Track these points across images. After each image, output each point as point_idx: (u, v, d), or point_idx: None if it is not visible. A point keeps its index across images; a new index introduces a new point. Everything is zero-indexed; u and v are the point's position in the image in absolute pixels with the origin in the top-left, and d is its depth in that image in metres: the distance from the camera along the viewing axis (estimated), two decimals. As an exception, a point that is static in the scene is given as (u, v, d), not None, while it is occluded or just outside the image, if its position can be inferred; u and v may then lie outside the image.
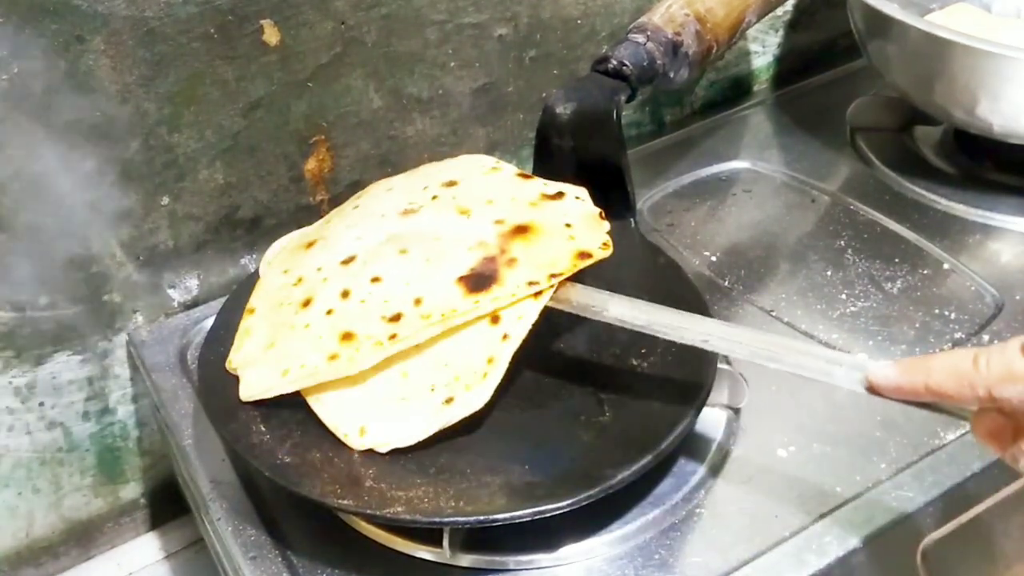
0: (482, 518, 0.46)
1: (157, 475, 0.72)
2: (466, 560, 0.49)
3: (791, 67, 0.94)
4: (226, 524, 0.52)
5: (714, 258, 0.69)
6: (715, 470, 0.53)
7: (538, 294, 0.51)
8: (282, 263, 0.58)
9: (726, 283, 0.67)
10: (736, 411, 0.56)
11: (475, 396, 0.49)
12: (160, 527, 0.74)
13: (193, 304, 0.68)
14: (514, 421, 0.52)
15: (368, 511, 0.47)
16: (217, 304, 0.61)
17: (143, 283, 0.66)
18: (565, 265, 0.51)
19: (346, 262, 0.55)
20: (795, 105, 0.87)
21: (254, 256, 0.69)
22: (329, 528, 0.51)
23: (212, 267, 0.68)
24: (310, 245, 0.58)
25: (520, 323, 0.50)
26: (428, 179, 0.60)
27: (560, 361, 0.56)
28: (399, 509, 0.46)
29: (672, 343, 0.54)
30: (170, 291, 0.67)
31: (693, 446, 0.54)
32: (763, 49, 0.92)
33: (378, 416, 0.49)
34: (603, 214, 0.55)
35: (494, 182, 0.58)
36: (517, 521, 0.46)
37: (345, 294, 0.53)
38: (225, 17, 0.61)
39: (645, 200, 0.74)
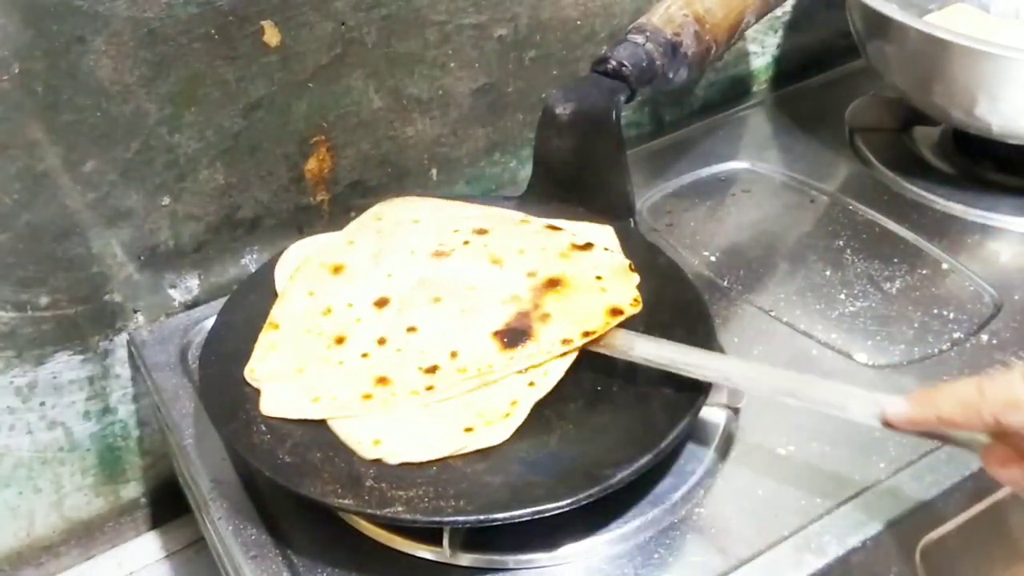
0: (482, 517, 0.46)
1: (158, 475, 0.72)
2: (466, 559, 0.49)
3: (790, 68, 0.94)
4: (227, 523, 0.52)
5: (713, 258, 0.69)
6: (714, 470, 0.53)
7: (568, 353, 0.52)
8: (307, 283, 0.58)
9: (725, 283, 0.67)
10: (735, 410, 0.56)
11: (495, 432, 0.49)
12: (161, 526, 0.74)
13: (194, 304, 0.68)
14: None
15: (368, 511, 0.47)
16: (218, 304, 0.61)
17: (144, 283, 0.66)
18: (598, 323, 0.53)
19: (379, 304, 0.56)
20: (794, 105, 0.87)
21: (255, 256, 0.70)
22: (329, 527, 0.51)
23: (213, 267, 0.68)
24: (337, 270, 0.58)
25: (547, 377, 0.52)
26: (458, 221, 0.61)
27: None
28: (399, 509, 0.46)
29: (672, 338, 0.55)
30: (171, 291, 0.67)
31: (692, 446, 0.54)
32: (762, 50, 0.92)
33: (394, 431, 0.50)
34: (632, 266, 0.57)
35: (524, 232, 0.60)
36: (517, 520, 0.46)
37: (381, 341, 0.54)
38: (226, 18, 0.61)
39: (644, 200, 0.74)
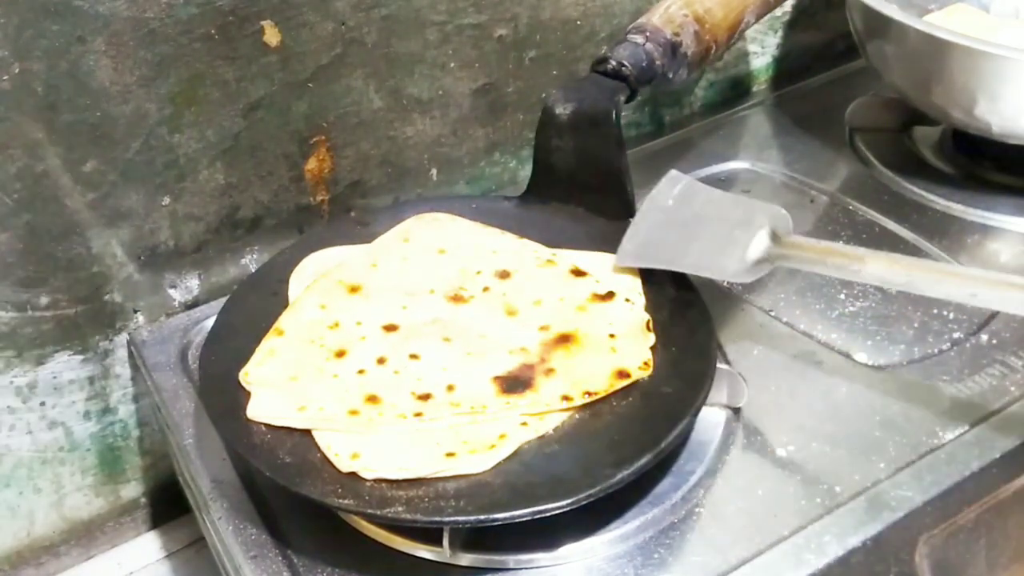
0: (482, 517, 0.46)
1: (158, 474, 0.72)
2: (466, 559, 0.49)
3: (790, 68, 0.95)
4: (227, 523, 0.52)
5: (713, 258, 0.69)
6: (714, 469, 0.53)
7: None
8: (321, 296, 0.58)
9: (725, 283, 0.67)
10: (736, 411, 0.56)
11: (478, 461, 0.49)
12: (161, 526, 0.74)
13: (194, 304, 0.68)
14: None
15: (368, 511, 0.47)
16: (218, 304, 0.61)
17: (144, 283, 0.66)
18: (602, 384, 0.52)
19: (388, 329, 0.56)
20: (794, 106, 0.87)
21: (255, 256, 0.70)
22: (329, 527, 0.51)
23: (213, 267, 0.68)
24: (354, 290, 0.58)
25: (542, 422, 0.51)
26: (483, 258, 0.60)
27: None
28: (399, 509, 0.46)
29: (672, 338, 0.55)
30: (171, 291, 0.67)
31: (692, 446, 0.54)
32: (762, 50, 0.92)
33: (374, 446, 0.49)
34: (650, 324, 0.56)
35: (546, 278, 0.59)
36: (517, 520, 0.46)
37: (381, 360, 0.54)
38: (226, 18, 0.61)
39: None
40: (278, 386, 0.52)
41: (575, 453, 0.50)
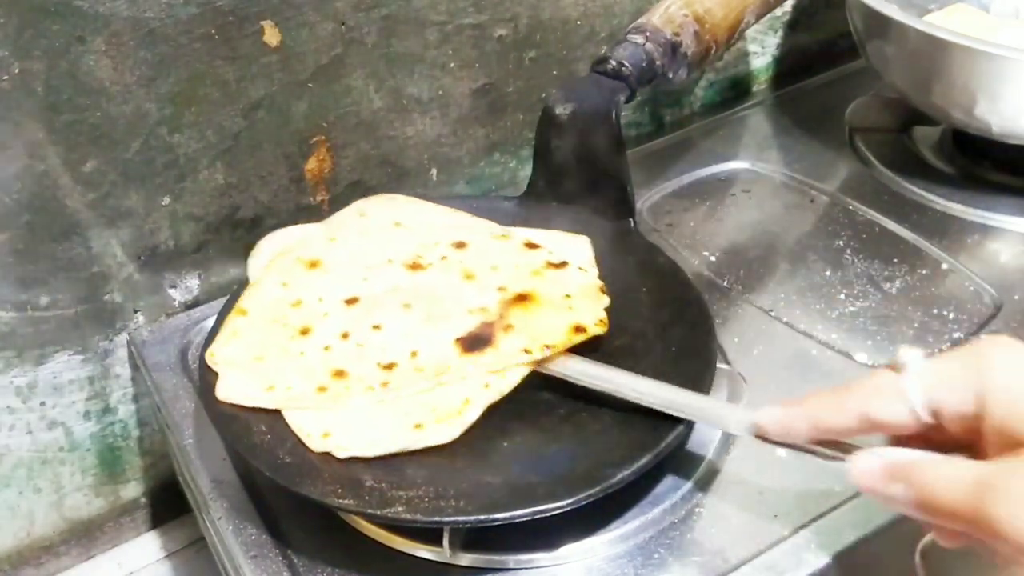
0: (482, 517, 0.46)
1: (158, 474, 0.72)
2: (466, 559, 0.49)
3: (790, 68, 0.95)
4: (227, 523, 0.52)
5: (713, 258, 0.69)
6: (715, 470, 0.53)
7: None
8: (281, 273, 0.58)
9: (725, 283, 0.67)
10: (735, 411, 0.56)
11: (445, 430, 0.49)
12: (161, 526, 0.74)
13: (194, 304, 0.68)
14: (514, 421, 0.52)
15: (369, 511, 0.47)
16: (218, 304, 0.61)
17: (144, 283, 0.66)
18: (560, 338, 0.53)
19: (350, 302, 0.56)
20: (794, 106, 0.87)
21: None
22: (330, 527, 0.51)
23: (213, 267, 0.68)
24: (313, 265, 0.59)
25: (503, 380, 0.52)
26: (438, 231, 0.61)
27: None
28: (399, 509, 0.46)
29: (672, 338, 0.55)
30: (171, 291, 0.67)
31: (693, 445, 0.54)
32: (762, 50, 0.92)
33: (344, 424, 0.50)
34: (604, 288, 0.57)
35: (502, 248, 0.60)
36: (517, 520, 0.46)
37: (344, 335, 0.54)
38: (226, 18, 0.61)
39: (644, 200, 0.74)
40: (244, 366, 0.53)
41: (575, 453, 0.50)
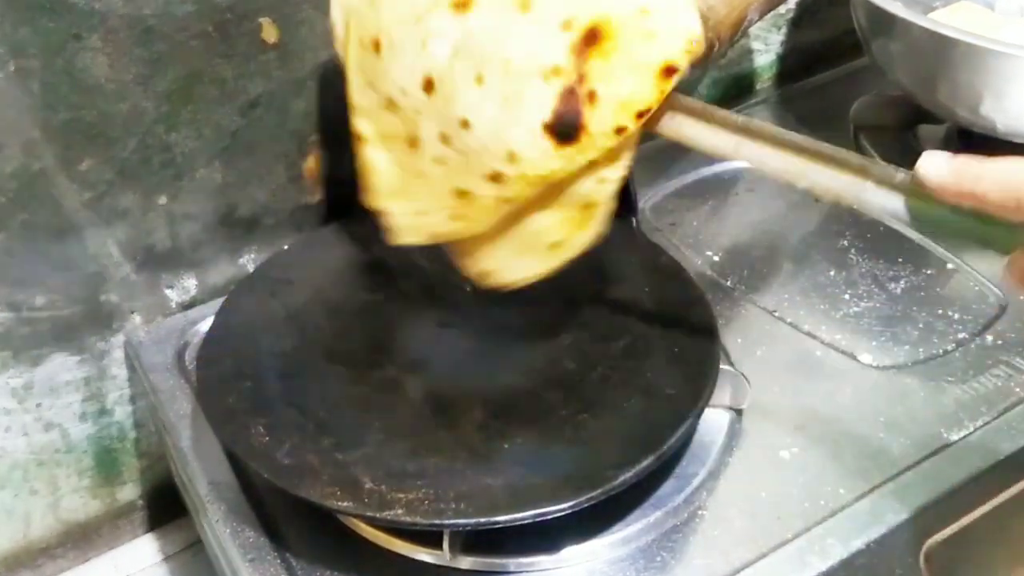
0: (483, 520, 0.45)
1: (155, 476, 0.72)
2: (466, 562, 0.49)
3: (794, 65, 0.94)
4: (224, 526, 0.52)
5: (716, 258, 0.69)
6: (717, 472, 0.53)
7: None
8: (362, 71, 0.53)
9: (728, 283, 0.66)
10: (738, 412, 0.56)
11: (586, 238, 0.49)
12: (158, 529, 0.74)
13: (191, 304, 0.68)
14: (515, 422, 0.52)
15: (368, 513, 0.47)
16: (215, 304, 0.61)
17: (140, 283, 0.65)
18: (650, 97, 0.45)
19: (427, 88, 0.49)
20: (798, 103, 0.87)
21: (252, 256, 0.69)
22: (328, 530, 0.51)
23: (210, 267, 0.68)
24: (376, 46, 0.51)
25: (614, 169, 0.48)
26: None
27: (561, 360, 0.56)
28: (399, 511, 0.46)
29: (673, 342, 0.55)
30: (168, 291, 0.67)
31: (695, 447, 0.54)
32: (766, 47, 0.92)
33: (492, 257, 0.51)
34: None
35: None
36: (518, 523, 0.45)
37: (444, 138, 0.49)
38: (223, 15, 0.60)
39: (647, 199, 0.74)
40: (400, 201, 0.52)
41: (576, 454, 0.49)
